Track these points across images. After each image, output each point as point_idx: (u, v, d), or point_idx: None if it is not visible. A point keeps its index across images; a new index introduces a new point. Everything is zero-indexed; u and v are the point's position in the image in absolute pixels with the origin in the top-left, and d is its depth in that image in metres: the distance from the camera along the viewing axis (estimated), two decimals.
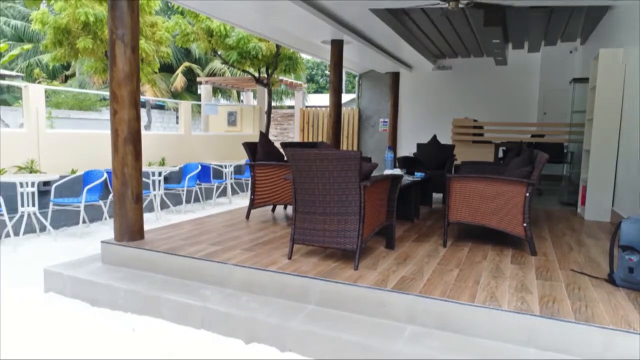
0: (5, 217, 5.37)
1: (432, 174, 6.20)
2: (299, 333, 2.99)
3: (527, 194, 3.88)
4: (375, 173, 4.14)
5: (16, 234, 5.67)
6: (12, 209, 5.79)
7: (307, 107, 15.68)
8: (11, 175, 6.47)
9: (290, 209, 6.11)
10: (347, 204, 3.48)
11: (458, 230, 4.96)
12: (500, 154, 9.08)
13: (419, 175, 5.69)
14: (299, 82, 15.48)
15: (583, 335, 2.64)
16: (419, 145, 7.36)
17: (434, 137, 7.33)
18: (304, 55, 12.51)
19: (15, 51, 19.50)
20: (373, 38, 8.52)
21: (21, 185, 5.79)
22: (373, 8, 6.55)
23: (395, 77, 11.86)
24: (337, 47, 8.03)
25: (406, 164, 6.72)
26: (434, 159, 6.95)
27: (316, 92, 33.34)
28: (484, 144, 9.08)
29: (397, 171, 5.10)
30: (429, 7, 6.48)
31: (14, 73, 18.24)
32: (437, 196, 7.05)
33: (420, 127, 11.49)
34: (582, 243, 4.57)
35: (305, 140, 13.76)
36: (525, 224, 3.92)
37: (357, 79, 13.00)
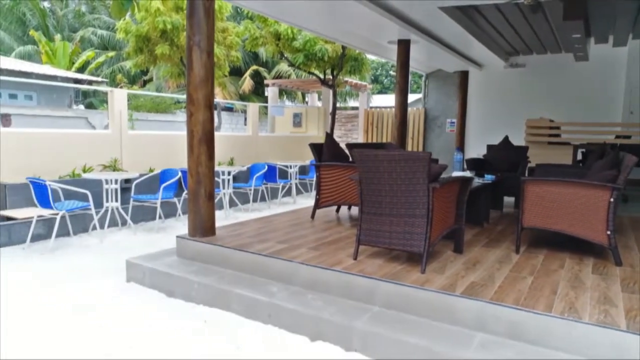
0: (93, 211, 5.84)
1: (503, 177, 5.93)
2: (364, 334, 2.99)
3: (612, 199, 3.60)
4: (443, 175, 4.04)
5: (101, 226, 6.15)
6: (98, 204, 6.28)
7: (371, 107, 15.60)
8: (97, 172, 7.04)
9: (354, 209, 6.11)
10: (415, 205, 3.42)
11: (532, 236, 4.71)
12: (579, 157, 8.49)
13: (489, 177, 5.47)
14: (364, 83, 15.42)
15: None
16: (489, 147, 7.07)
17: (506, 138, 7.01)
18: (369, 56, 12.45)
19: (101, 58, 21.22)
20: (441, 37, 8.30)
21: (106, 182, 6.28)
22: (442, 6, 6.39)
23: (463, 76, 11.47)
24: (404, 47, 7.92)
25: (475, 165, 6.48)
26: (505, 160, 6.65)
27: (380, 92, 33.09)
28: (561, 145, 8.54)
29: (467, 173, 4.94)
30: (502, 3, 6.20)
31: (99, 79, 19.83)
32: (508, 200, 6.73)
33: (490, 128, 11.02)
34: None
35: (369, 141, 13.68)
36: (609, 232, 3.65)
37: (423, 78, 12.74)
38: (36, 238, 5.67)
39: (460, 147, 11.37)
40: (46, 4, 24.24)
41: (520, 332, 2.80)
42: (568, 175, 4.59)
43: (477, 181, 5.07)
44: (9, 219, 5.71)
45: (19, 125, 12.41)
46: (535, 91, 10.67)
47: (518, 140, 8.30)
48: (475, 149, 10.93)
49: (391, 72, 34.83)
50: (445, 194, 3.68)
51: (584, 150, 8.32)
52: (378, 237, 3.63)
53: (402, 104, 8.08)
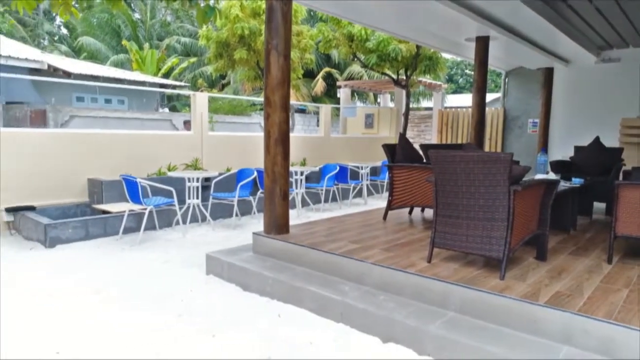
0: (176, 207, 6.24)
1: (593, 181, 5.49)
2: (438, 338, 2.91)
3: None
4: (526, 177, 3.83)
5: (184, 222, 6.55)
6: (181, 200, 6.69)
7: (445, 108, 15.15)
8: (180, 171, 7.50)
9: (427, 212, 5.97)
10: (494, 209, 3.27)
11: (627, 245, 4.32)
12: None
13: (577, 181, 5.09)
14: (439, 83, 15.01)
15: None
16: (577, 148, 6.59)
17: (597, 139, 6.49)
18: (444, 55, 12.10)
19: (184, 64, 22.58)
20: (523, 32, 7.86)
21: (189, 180, 6.68)
22: None
23: (548, 73, 10.76)
24: (482, 44, 7.59)
25: (561, 168, 6.07)
26: (595, 163, 6.16)
27: (454, 92, 32.05)
28: None
29: (552, 176, 4.64)
30: None
31: (182, 83, 21.12)
32: (598, 206, 6.22)
33: (577, 129, 10.23)
34: None
35: (443, 142, 13.29)
36: None
37: (502, 76, 12.14)
38: (127, 231, 6.16)
39: (545, 149, 10.68)
40: (137, 15, 26.30)
41: (613, 348, 2.58)
42: None
43: (564, 185, 4.75)
44: (104, 212, 6.26)
45: (113, 127, 13.58)
46: (631, 88, 9.75)
47: (610, 141, 7.64)
48: (560, 151, 10.21)
49: (467, 71, 33.58)
50: (528, 198, 3.48)
51: None
52: (453, 241, 3.53)
53: (480, 104, 7.77)
